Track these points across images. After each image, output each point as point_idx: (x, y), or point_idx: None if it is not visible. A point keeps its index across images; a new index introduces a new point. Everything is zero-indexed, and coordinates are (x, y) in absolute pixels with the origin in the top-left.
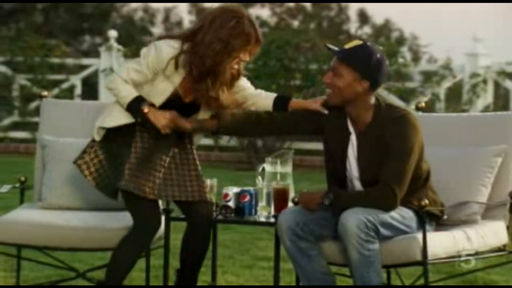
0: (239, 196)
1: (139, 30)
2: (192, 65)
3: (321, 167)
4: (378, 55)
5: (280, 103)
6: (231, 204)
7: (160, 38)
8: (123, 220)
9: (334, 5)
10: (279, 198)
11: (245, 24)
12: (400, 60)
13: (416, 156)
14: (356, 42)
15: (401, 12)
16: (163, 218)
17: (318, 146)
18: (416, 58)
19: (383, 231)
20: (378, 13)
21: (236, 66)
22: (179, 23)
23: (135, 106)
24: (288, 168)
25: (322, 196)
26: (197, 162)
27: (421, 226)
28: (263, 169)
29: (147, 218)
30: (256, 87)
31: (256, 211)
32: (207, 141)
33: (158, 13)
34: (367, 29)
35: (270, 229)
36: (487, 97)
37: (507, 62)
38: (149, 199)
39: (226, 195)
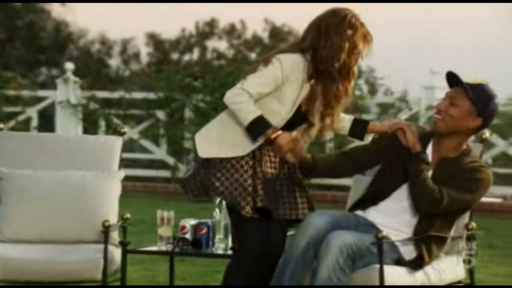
0: (196, 228)
1: (96, 62)
2: (324, 67)
3: None
4: (497, 100)
5: (358, 128)
6: (188, 236)
7: (276, 52)
8: (80, 253)
9: (291, 37)
10: None
11: (357, 21)
12: (357, 93)
13: (470, 202)
14: (480, 81)
15: None
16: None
17: None
18: (372, 91)
19: (359, 263)
20: None
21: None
22: (137, 55)
23: (260, 124)
24: None
25: (420, 147)
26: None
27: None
28: (221, 201)
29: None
30: (213, 118)
31: (213, 243)
32: (164, 173)
33: (116, 45)
34: None
35: (227, 262)
36: None
37: None
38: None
39: (183, 227)
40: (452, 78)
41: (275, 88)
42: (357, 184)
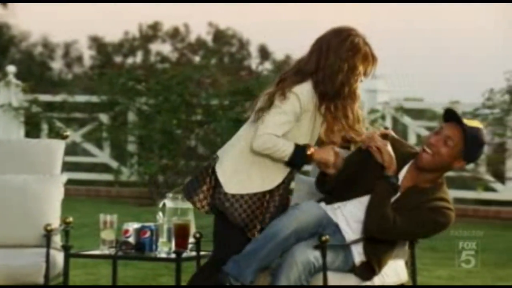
0: (139, 232)
1: (38, 65)
2: (323, 88)
3: None
4: (485, 146)
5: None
6: (131, 240)
7: (282, 81)
8: (22, 257)
9: (235, 40)
10: (180, 233)
11: (360, 42)
12: None
13: (418, 235)
14: (477, 124)
15: (301, 49)
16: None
17: None
18: None
19: (316, 280)
20: (278, 49)
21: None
22: (79, 58)
23: (299, 153)
24: (189, 204)
25: (394, 169)
26: None
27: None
28: (164, 204)
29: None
30: (156, 122)
31: (156, 247)
32: (107, 177)
33: (58, 48)
34: (267, 65)
35: (171, 265)
36: None
37: (405, 98)
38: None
39: (126, 231)
40: (451, 116)
41: (295, 122)
42: (300, 186)
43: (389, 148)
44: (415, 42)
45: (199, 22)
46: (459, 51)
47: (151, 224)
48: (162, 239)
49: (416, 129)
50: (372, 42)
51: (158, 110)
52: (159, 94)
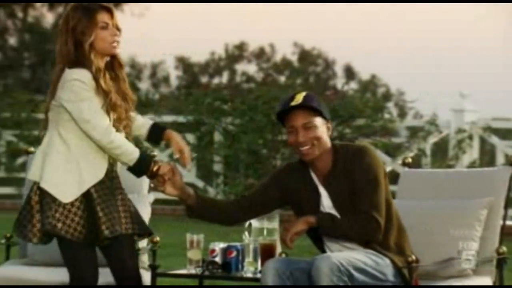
0: (225, 251)
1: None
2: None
3: None
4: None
5: (155, 133)
6: (217, 259)
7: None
8: (104, 276)
9: (320, 60)
10: (266, 253)
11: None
12: (386, 116)
13: (383, 184)
14: (303, 93)
15: (387, 68)
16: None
17: None
18: (402, 114)
19: (358, 275)
20: (364, 68)
21: (105, 36)
22: (166, 78)
23: (143, 163)
24: (275, 224)
25: (315, 218)
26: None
27: (398, 275)
28: (250, 224)
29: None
30: (242, 142)
31: (243, 266)
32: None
33: (145, 69)
34: (353, 85)
35: (257, 285)
36: (473, 152)
37: (493, 118)
38: (85, 252)
39: (213, 250)
40: (285, 112)
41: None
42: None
43: (287, 225)
44: (505, 60)
45: (284, 42)
46: None
47: (237, 244)
48: (248, 259)
49: (504, 149)
50: (457, 61)
51: (244, 130)
52: (244, 114)
